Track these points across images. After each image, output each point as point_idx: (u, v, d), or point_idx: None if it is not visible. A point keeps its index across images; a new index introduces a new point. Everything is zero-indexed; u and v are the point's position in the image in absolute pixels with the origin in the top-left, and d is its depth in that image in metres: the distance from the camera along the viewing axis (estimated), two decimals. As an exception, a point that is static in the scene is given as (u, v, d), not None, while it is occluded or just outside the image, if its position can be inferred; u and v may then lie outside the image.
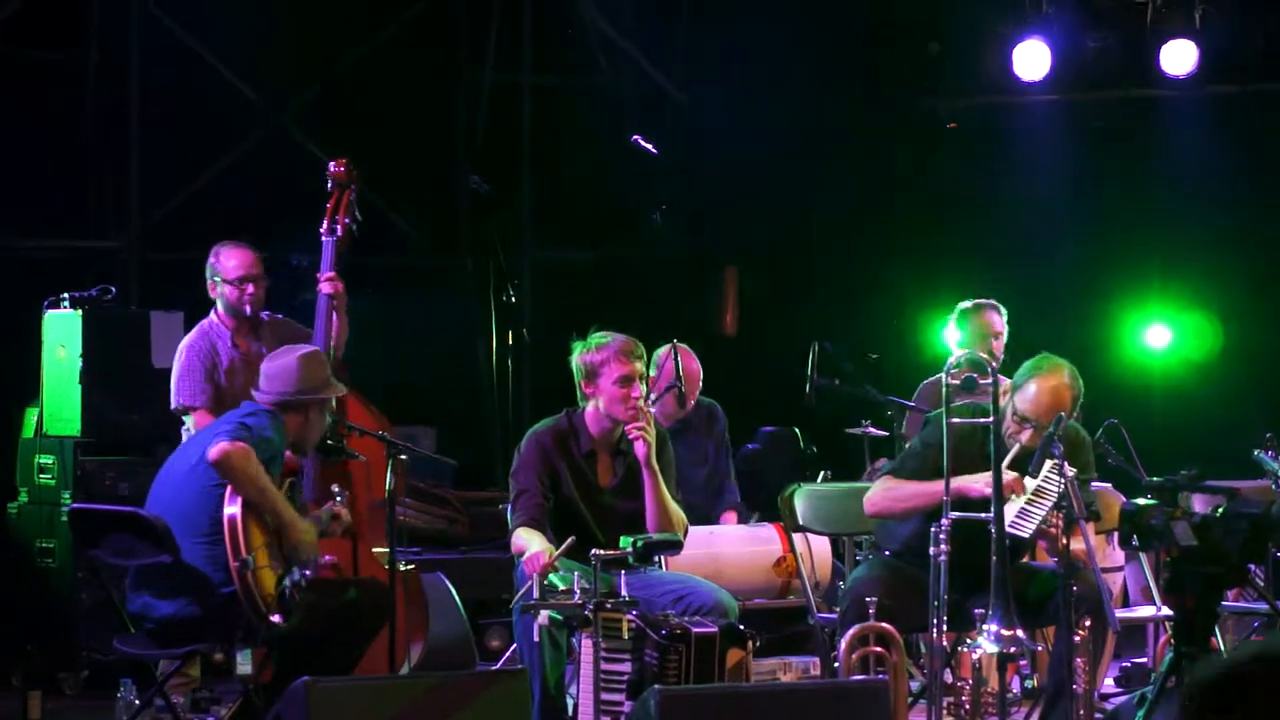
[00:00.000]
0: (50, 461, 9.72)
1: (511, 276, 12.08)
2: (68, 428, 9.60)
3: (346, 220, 8.60)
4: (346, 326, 8.59)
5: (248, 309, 8.62)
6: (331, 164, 8.70)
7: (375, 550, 8.31)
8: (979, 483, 7.11)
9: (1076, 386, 7.43)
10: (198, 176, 11.97)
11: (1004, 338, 9.29)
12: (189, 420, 8.51)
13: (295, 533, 7.55)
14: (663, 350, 9.39)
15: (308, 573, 7.65)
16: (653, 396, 9.13)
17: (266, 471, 7.43)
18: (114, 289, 9.87)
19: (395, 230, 12.40)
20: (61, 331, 9.63)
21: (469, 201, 12.55)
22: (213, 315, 8.67)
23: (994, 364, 7.28)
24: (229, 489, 7.42)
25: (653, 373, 9.35)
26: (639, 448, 7.56)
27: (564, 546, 7.20)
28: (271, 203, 11.44)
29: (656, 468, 7.57)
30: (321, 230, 8.61)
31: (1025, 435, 7.33)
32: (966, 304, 9.47)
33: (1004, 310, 9.31)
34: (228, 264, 8.63)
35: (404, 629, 8.18)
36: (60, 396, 9.63)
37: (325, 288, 8.52)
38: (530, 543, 7.34)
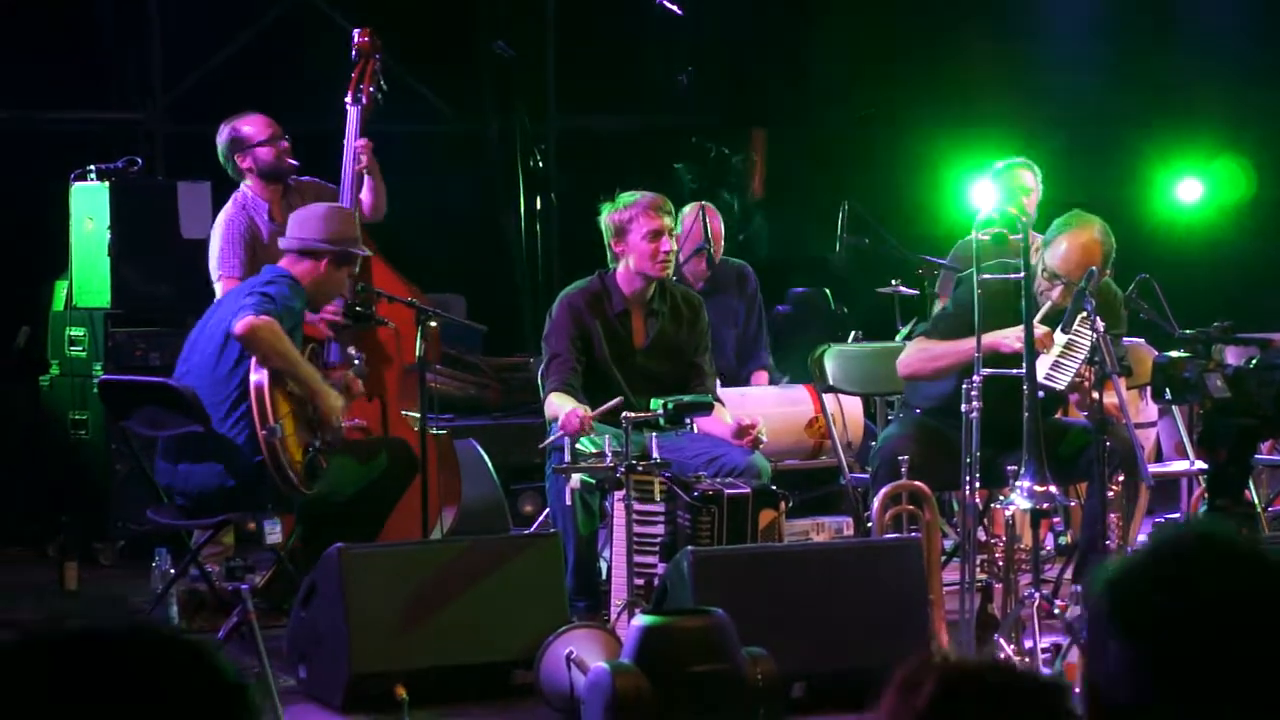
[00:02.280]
0: (81, 334, 9.73)
1: (537, 141, 12.01)
2: (97, 300, 9.60)
3: (371, 89, 8.59)
4: (383, 187, 8.57)
5: (290, 162, 8.58)
6: (355, 33, 8.68)
7: (406, 414, 8.33)
8: (1010, 337, 7.06)
9: (1108, 242, 7.36)
10: (221, 48, 11.90)
11: (1036, 194, 9.21)
12: (220, 289, 8.49)
13: (323, 401, 7.57)
14: (689, 210, 9.31)
15: (331, 440, 7.68)
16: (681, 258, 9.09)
17: (289, 338, 7.46)
18: (140, 160, 9.84)
19: (419, 97, 12.31)
20: (89, 204, 9.61)
21: (493, 67, 12.45)
22: (245, 190, 8.61)
23: (1024, 219, 7.20)
24: (254, 358, 7.43)
25: (678, 230, 9.29)
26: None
27: (608, 405, 7.20)
28: (296, 73, 11.37)
29: None
30: (347, 100, 8.60)
31: (1056, 292, 7.27)
32: (1000, 164, 9.43)
33: (1037, 169, 9.23)
34: (252, 129, 8.55)
35: (436, 495, 8.20)
36: (89, 269, 9.62)
37: (353, 152, 8.51)
38: (564, 408, 7.34)
